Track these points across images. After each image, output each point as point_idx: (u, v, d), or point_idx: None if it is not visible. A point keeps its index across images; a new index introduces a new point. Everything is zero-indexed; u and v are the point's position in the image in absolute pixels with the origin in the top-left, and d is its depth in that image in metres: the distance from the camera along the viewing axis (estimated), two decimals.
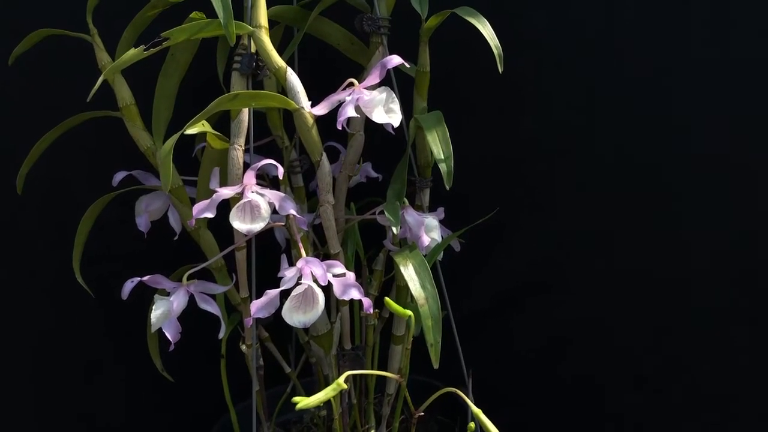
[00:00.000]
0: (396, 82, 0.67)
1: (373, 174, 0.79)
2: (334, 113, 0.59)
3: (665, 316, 0.87)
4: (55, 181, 0.77)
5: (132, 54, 0.57)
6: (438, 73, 0.67)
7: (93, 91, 0.55)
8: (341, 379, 0.48)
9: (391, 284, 0.74)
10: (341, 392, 0.64)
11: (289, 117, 0.70)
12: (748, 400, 0.86)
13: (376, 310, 0.65)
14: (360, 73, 0.63)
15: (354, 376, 0.70)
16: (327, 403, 0.76)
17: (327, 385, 0.63)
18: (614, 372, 0.91)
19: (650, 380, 0.89)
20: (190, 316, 0.62)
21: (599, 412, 0.92)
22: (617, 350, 0.90)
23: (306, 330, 0.75)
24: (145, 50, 0.56)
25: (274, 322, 0.70)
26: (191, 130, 0.56)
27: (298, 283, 0.55)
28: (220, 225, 0.65)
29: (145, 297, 0.65)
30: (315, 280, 0.55)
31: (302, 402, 0.48)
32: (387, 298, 0.55)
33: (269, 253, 0.70)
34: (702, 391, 0.87)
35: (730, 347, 0.86)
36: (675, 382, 0.88)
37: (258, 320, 0.65)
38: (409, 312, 0.55)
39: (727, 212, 0.82)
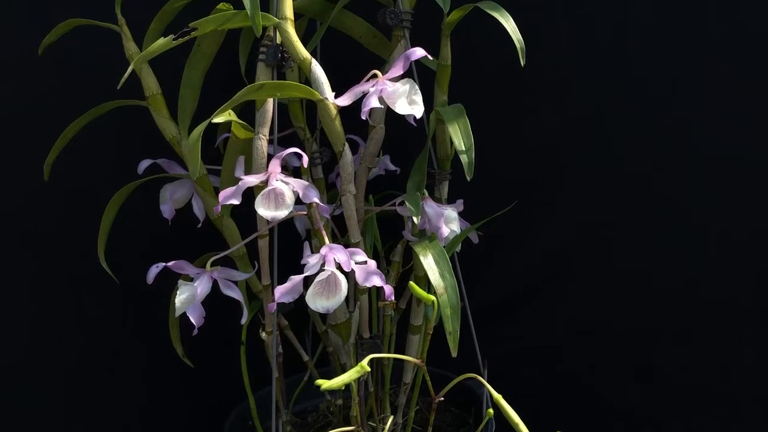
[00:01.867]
0: (417, 74, 0.68)
1: (392, 167, 0.80)
2: (355, 107, 0.60)
3: (676, 312, 0.88)
4: (80, 168, 0.79)
5: (161, 43, 0.58)
6: (457, 67, 0.68)
7: (123, 79, 0.57)
8: (365, 362, 0.49)
9: (408, 276, 0.75)
10: (360, 380, 0.65)
11: (311, 109, 0.72)
12: (753, 397, 0.87)
13: (394, 300, 0.66)
14: (378, 66, 0.64)
15: (371, 365, 0.71)
16: (343, 393, 0.78)
17: (344, 373, 0.64)
18: (623, 365, 0.92)
19: (660, 374, 0.90)
20: (208, 305, 0.63)
21: (608, 406, 0.93)
22: (627, 344, 0.91)
23: (324, 319, 0.76)
24: (174, 40, 0.57)
25: (292, 312, 0.71)
26: (218, 119, 0.58)
27: (321, 270, 0.56)
28: (242, 214, 0.67)
29: (165, 285, 0.66)
30: (338, 267, 0.56)
31: (326, 383, 0.49)
32: (411, 282, 0.56)
33: (289, 243, 0.71)
34: (712, 388, 0.88)
35: (738, 344, 0.86)
36: (684, 377, 0.89)
37: (277, 308, 0.66)
38: (433, 297, 0.56)
39: (737, 211, 0.83)
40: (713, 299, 0.86)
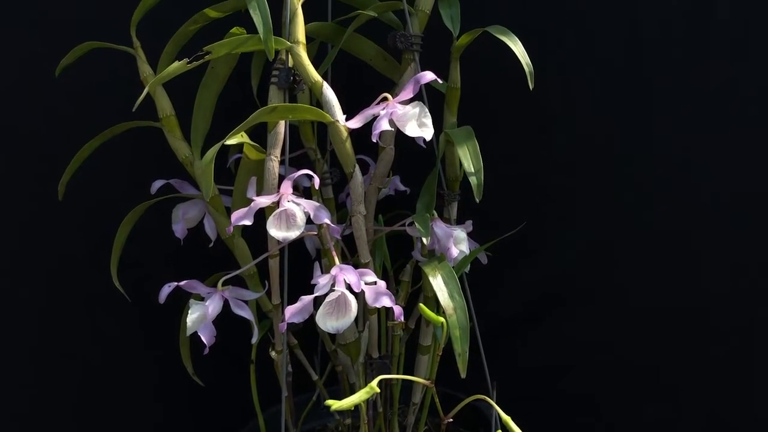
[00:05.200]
0: (426, 97, 0.69)
1: (402, 187, 0.80)
2: (364, 128, 0.61)
3: (689, 334, 0.88)
4: (95, 188, 0.80)
5: (176, 67, 0.59)
6: (466, 90, 0.69)
7: (138, 101, 0.58)
8: (374, 383, 0.49)
9: (418, 296, 0.75)
10: (368, 400, 0.65)
11: (321, 130, 0.73)
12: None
13: (403, 320, 0.67)
14: (387, 89, 0.65)
15: (380, 385, 0.71)
16: (352, 413, 0.78)
17: (353, 393, 0.64)
18: (635, 386, 0.91)
19: (672, 395, 0.90)
20: (218, 324, 0.64)
21: (620, 428, 0.93)
22: (639, 365, 0.90)
23: (333, 338, 0.76)
24: (188, 63, 0.58)
25: (301, 331, 0.72)
26: (231, 141, 0.58)
27: (331, 290, 0.56)
28: (253, 233, 0.68)
29: (176, 304, 0.67)
30: (348, 287, 0.56)
31: (335, 404, 0.49)
32: (421, 304, 0.57)
33: (299, 262, 0.72)
34: (722, 402, 0.88)
35: (749, 366, 0.86)
36: (696, 396, 0.89)
37: (288, 326, 0.67)
38: (442, 319, 0.56)
39: (749, 234, 0.83)
40: (726, 324, 0.86)
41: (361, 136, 0.63)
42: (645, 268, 0.88)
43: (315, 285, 0.58)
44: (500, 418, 0.53)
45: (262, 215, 0.60)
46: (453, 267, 0.64)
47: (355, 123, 0.61)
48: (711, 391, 0.88)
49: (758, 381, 0.86)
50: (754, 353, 0.86)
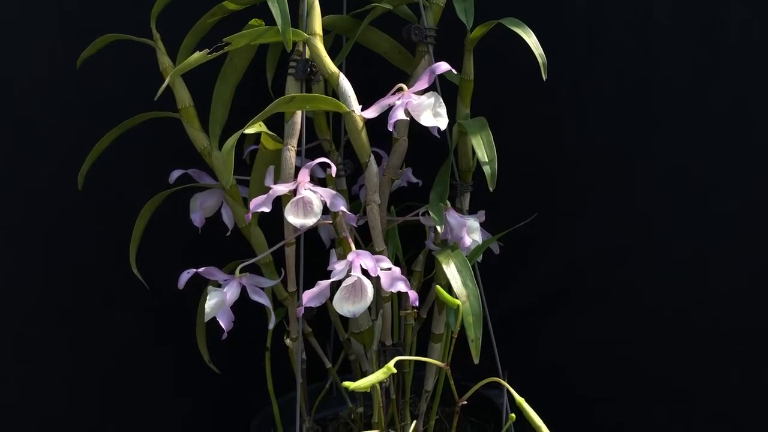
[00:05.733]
0: (440, 89, 0.70)
1: (414, 179, 0.81)
2: (377, 122, 0.62)
3: (702, 331, 0.89)
4: (114, 178, 0.81)
5: (196, 57, 0.60)
6: (479, 81, 0.70)
7: (159, 91, 0.59)
8: (391, 364, 0.50)
9: (429, 286, 0.76)
10: (382, 387, 0.66)
11: (335, 123, 0.74)
12: None
13: (416, 309, 0.68)
14: (402, 81, 0.66)
15: (392, 374, 0.72)
16: (364, 401, 0.79)
17: None
18: (645, 382, 0.92)
19: (684, 394, 0.90)
20: (233, 312, 0.65)
21: (629, 424, 0.93)
22: (650, 361, 0.91)
23: (346, 327, 0.77)
24: (208, 54, 0.60)
25: (315, 319, 0.73)
26: (250, 130, 0.60)
27: (348, 275, 0.57)
28: (268, 223, 0.69)
29: (192, 293, 0.68)
30: (364, 272, 0.57)
31: (353, 385, 0.50)
32: (437, 286, 0.58)
33: (313, 252, 0.73)
34: (735, 410, 0.88)
35: (761, 368, 0.87)
36: (704, 393, 0.89)
37: (304, 311, 0.68)
38: (458, 301, 0.57)
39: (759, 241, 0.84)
40: (739, 324, 0.87)
41: (374, 129, 0.64)
42: (657, 265, 0.88)
43: (331, 271, 0.60)
44: (513, 402, 0.54)
45: (277, 206, 0.61)
46: (466, 256, 0.65)
47: (371, 113, 0.62)
48: (723, 392, 0.89)
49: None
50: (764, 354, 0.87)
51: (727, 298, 0.87)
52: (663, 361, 0.90)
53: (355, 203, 0.81)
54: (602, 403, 0.94)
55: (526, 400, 0.59)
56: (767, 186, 0.84)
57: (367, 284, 0.57)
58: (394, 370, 0.50)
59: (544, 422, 0.53)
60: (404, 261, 0.77)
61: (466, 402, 0.57)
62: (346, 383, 0.51)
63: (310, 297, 0.58)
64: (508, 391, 0.55)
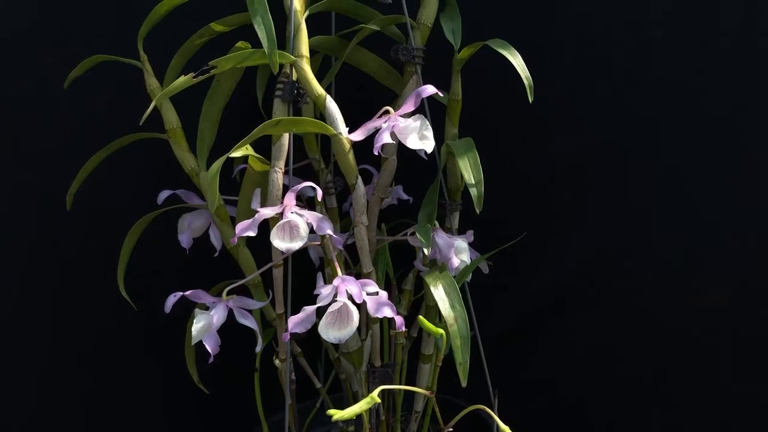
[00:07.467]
0: (428, 108, 0.70)
1: (404, 196, 0.81)
2: (368, 138, 0.61)
3: (691, 345, 0.88)
4: (102, 198, 0.81)
5: (182, 81, 0.60)
6: (468, 101, 0.70)
7: (146, 114, 0.59)
8: (375, 393, 0.50)
9: (420, 304, 0.76)
10: (371, 408, 0.66)
11: (325, 141, 0.74)
12: None
13: (405, 329, 0.68)
14: (390, 101, 0.66)
15: (382, 393, 0.72)
16: (355, 420, 0.79)
17: (356, 401, 0.65)
18: (637, 397, 0.92)
19: (675, 406, 0.90)
20: (223, 332, 0.65)
21: None
22: (641, 376, 0.91)
23: (336, 347, 0.77)
24: (194, 77, 0.60)
25: (305, 338, 0.73)
26: (236, 153, 0.60)
27: (333, 300, 0.57)
28: (257, 243, 0.69)
29: (181, 312, 0.68)
30: (350, 298, 0.57)
31: (337, 414, 0.50)
32: (420, 317, 0.58)
33: (303, 271, 0.73)
34: (730, 408, 0.88)
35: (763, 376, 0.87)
36: (701, 409, 0.89)
37: (291, 336, 0.67)
38: (441, 330, 0.57)
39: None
40: (734, 326, 0.87)
41: (364, 145, 0.64)
42: (649, 276, 0.88)
43: (318, 295, 0.59)
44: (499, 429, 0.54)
45: (266, 225, 0.61)
46: (454, 277, 0.65)
47: (358, 136, 0.62)
48: (717, 398, 0.88)
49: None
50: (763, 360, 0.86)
51: (724, 302, 0.86)
52: (658, 373, 0.90)
53: (345, 220, 0.81)
54: (594, 415, 0.94)
55: (518, 415, 0.59)
56: (764, 187, 0.83)
57: (353, 310, 0.57)
58: (378, 400, 0.50)
59: None
60: (395, 279, 0.77)
61: (452, 429, 0.56)
62: (331, 411, 0.51)
63: (295, 323, 0.58)
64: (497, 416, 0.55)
